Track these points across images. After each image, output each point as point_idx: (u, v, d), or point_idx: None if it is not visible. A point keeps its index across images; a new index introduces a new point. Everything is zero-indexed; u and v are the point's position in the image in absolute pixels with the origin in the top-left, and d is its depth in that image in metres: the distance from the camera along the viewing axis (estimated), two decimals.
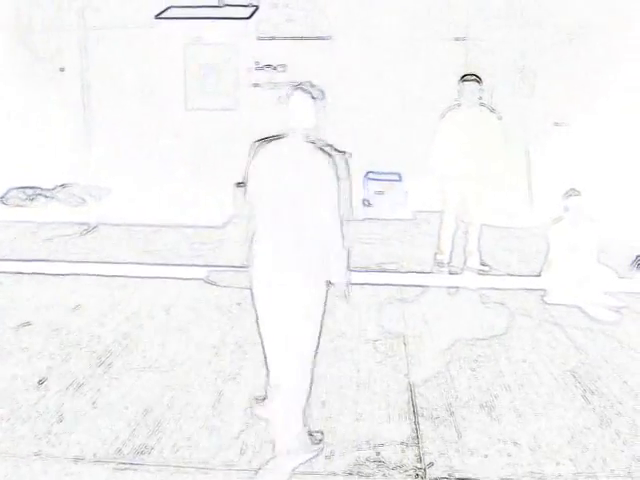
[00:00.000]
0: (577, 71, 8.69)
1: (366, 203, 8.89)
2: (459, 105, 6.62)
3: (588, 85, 8.47)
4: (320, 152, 3.79)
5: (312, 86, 3.93)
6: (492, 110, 6.74)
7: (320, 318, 3.81)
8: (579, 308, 6.00)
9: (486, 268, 6.90)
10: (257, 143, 3.96)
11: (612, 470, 3.78)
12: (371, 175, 8.90)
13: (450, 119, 6.62)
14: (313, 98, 3.86)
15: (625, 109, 8.07)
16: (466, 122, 6.56)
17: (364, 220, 8.73)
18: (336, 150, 3.97)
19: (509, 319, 5.84)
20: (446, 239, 6.88)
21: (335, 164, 3.83)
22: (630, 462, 3.85)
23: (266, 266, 3.84)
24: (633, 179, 7.75)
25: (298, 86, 3.91)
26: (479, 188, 6.65)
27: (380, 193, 8.77)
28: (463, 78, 6.67)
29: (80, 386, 4.54)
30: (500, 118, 6.68)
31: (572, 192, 6.25)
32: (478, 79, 6.60)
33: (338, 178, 3.83)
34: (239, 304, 5.97)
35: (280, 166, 3.80)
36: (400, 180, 8.82)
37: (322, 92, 3.94)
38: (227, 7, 9.16)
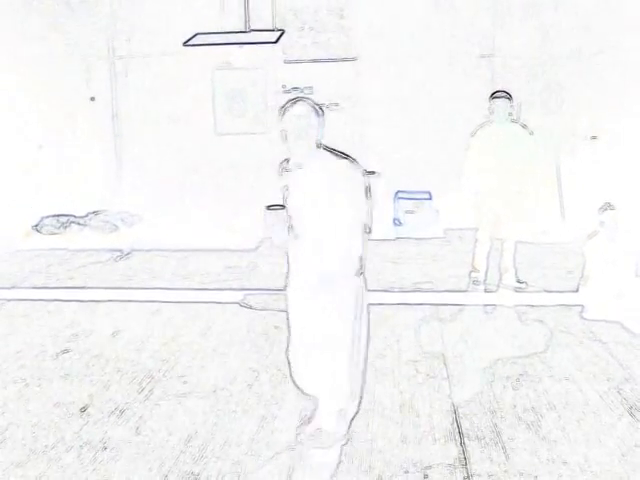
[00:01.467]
0: (605, 84, 8.64)
1: (397, 222, 8.88)
2: (490, 122, 6.61)
3: (617, 98, 8.42)
4: (345, 161, 3.85)
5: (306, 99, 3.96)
6: (524, 126, 6.71)
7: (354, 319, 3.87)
8: (619, 323, 5.92)
9: (522, 285, 6.84)
10: (284, 163, 4.00)
11: None
12: (401, 194, 8.90)
13: (482, 136, 6.61)
14: (317, 112, 3.89)
15: None
16: (498, 138, 6.55)
17: (396, 240, 8.72)
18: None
19: (548, 336, 5.77)
20: (481, 257, 6.85)
21: (362, 171, 3.87)
22: None
23: (302, 286, 3.87)
24: None
25: (294, 100, 3.94)
26: (513, 205, 6.61)
27: (411, 212, 8.76)
28: (493, 95, 6.67)
29: (122, 413, 4.55)
30: (532, 134, 6.65)
31: (607, 206, 6.19)
32: (508, 96, 6.59)
33: (367, 187, 3.87)
34: (276, 327, 5.96)
35: (314, 183, 3.83)
36: (430, 198, 8.81)
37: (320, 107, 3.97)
38: (253, 32, 9.25)
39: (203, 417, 4.46)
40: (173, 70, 9.39)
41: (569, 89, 8.93)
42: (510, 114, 6.60)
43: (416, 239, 8.70)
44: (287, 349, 4.08)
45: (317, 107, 3.94)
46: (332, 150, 3.94)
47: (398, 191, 8.89)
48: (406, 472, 3.83)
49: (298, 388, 4.10)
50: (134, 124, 9.60)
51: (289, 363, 4.11)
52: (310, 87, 9.26)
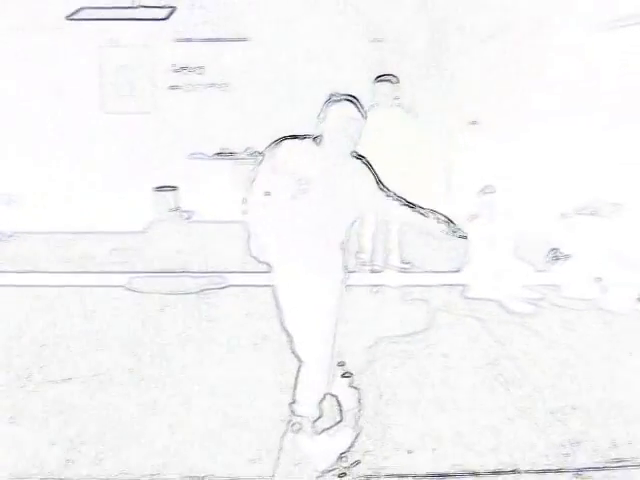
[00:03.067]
0: (492, 72, 8.90)
1: None
2: (374, 106, 6.69)
3: (503, 85, 8.69)
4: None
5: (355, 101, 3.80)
6: (408, 110, 6.83)
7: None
8: (498, 302, 6.15)
9: (407, 265, 6.99)
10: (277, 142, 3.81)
11: (532, 459, 3.89)
12: None
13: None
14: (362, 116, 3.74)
15: (539, 108, 8.30)
16: (381, 122, 6.63)
17: None
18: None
19: (430, 315, 5.93)
20: (367, 238, 6.94)
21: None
22: (549, 450, 3.97)
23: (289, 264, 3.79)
24: (546, 175, 7.99)
25: (346, 97, 3.77)
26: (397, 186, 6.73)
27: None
28: (378, 78, 6.74)
29: None
30: (416, 116, 6.78)
31: (487, 189, 6.42)
32: (395, 79, 6.68)
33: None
34: (161, 310, 5.89)
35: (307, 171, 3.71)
36: None
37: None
38: (142, 8, 9.00)
39: (81, 402, 4.36)
40: (56, 45, 9.03)
41: (458, 76, 9.14)
42: (396, 97, 6.69)
43: None
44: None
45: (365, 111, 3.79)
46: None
47: None
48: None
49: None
50: (14, 101, 9.19)
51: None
52: (201, 67, 9.11)
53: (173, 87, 9.11)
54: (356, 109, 3.69)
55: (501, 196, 6.46)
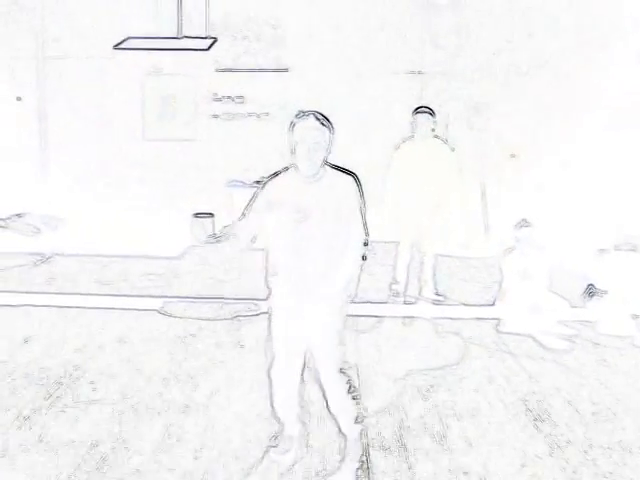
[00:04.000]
0: (529, 105, 8.87)
1: None
2: (412, 137, 6.72)
3: (540, 118, 8.66)
4: (342, 174, 3.77)
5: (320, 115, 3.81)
6: (445, 142, 6.84)
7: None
8: (532, 337, 6.07)
9: (441, 298, 6.94)
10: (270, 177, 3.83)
11: None
12: None
13: (404, 150, 6.71)
14: (330, 127, 3.77)
15: (575, 142, 8.25)
16: (419, 153, 6.65)
17: None
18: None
19: (463, 349, 5.87)
20: (402, 269, 6.93)
21: (359, 183, 3.80)
22: None
23: (287, 296, 3.80)
24: (584, 210, 7.91)
25: (308, 112, 3.80)
26: (433, 218, 6.72)
27: None
28: (416, 110, 6.77)
29: (26, 419, 4.44)
30: (453, 149, 6.78)
31: (523, 223, 6.35)
32: (431, 111, 6.71)
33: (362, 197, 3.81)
34: (192, 335, 5.93)
35: (304, 194, 3.72)
36: None
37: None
38: (186, 39, 9.21)
39: (109, 424, 4.39)
40: (103, 73, 9.27)
41: (495, 109, 9.13)
42: (433, 129, 6.71)
43: None
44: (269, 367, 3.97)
45: (330, 123, 3.82)
46: (336, 166, 3.85)
47: None
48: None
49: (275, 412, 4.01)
50: (61, 126, 9.43)
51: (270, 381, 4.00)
52: (241, 96, 9.26)
53: (214, 116, 9.27)
54: (315, 120, 3.70)
55: (538, 230, 6.39)
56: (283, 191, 3.75)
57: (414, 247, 6.89)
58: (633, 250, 6.77)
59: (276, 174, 3.82)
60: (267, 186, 3.80)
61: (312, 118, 3.72)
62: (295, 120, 3.74)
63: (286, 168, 3.81)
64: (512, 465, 4.07)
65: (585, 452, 4.26)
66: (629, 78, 8.59)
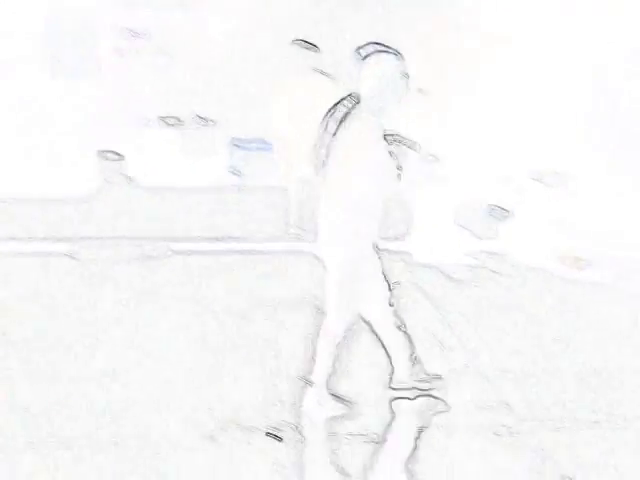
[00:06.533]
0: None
1: (235, 172, 8.84)
2: None
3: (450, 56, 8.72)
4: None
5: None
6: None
7: None
8: (437, 268, 6.24)
9: None
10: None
11: None
12: (239, 142, 8.83)
13: None
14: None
15: (488, 76, 8.35)
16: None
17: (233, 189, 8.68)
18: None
19: None
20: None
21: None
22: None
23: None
24: (493, 143, 8.06)
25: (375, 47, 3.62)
26: None
27: (247, 161, 8.71)
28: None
29: None
30: None
31: (428, 156, 6.47)
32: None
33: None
34: (104, 278, 5.87)
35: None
36: (269, 149, 8.79)
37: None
38: None
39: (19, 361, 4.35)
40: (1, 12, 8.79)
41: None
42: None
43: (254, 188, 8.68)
44: None
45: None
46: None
47: (235, 139, 8.79)
48: None
49: None
50: None
51: None
52: (147, 32, 8.95)
53: (120, 52, 8.96)
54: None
55: (445, 163, 6.51)
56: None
57: None
58: (539, 181, 7.00)
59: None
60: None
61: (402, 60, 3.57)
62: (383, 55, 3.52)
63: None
64: None
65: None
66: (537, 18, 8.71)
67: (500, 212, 6.71)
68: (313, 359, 4.22)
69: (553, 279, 6.11)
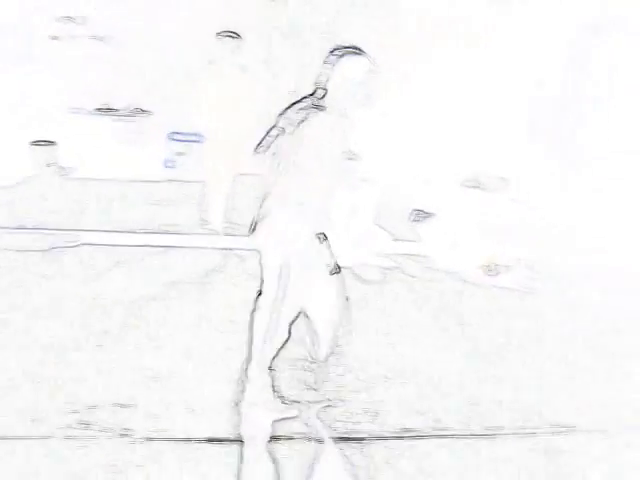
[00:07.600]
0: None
1: (169, 164, 8.75)
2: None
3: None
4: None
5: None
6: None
7: None
8: (351, 269, 6.20)
9: None
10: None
11: None
12: (174, 136, 8.74)
13: None
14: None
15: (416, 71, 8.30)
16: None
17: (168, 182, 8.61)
18: None
19: None
20: None
21: None
22: None
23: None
24: (411, 141, 8.01)
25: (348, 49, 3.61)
26: None
27: (182, 154, 8.63)
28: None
29: None
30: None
31: (350, 156, 6.41)
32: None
33: None
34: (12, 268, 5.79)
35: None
36: (201, 141, 8.71)
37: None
38: None
39: None
40: None
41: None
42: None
43: (188, 182, 8.61)
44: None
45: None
46: None
47: (172, 132, 8.71)
48: None
49: None
50: None
51: None
52: (84, 17, 8.82)
53: (54, 37, 8.83)
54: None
55: (365, 163, 6.45)
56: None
57: None
58: (476, 187, 6.98)
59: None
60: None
61: (367, 59, 3.56)
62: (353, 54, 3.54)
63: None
64: None
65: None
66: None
67: (423, 215, 6.68)
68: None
69: (466, 284, 6.09)
